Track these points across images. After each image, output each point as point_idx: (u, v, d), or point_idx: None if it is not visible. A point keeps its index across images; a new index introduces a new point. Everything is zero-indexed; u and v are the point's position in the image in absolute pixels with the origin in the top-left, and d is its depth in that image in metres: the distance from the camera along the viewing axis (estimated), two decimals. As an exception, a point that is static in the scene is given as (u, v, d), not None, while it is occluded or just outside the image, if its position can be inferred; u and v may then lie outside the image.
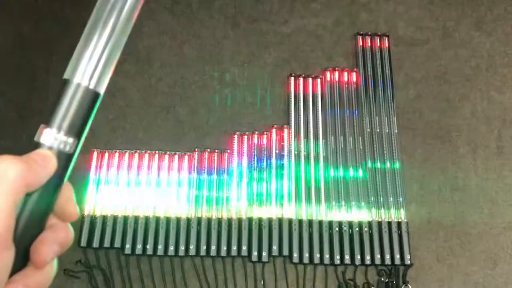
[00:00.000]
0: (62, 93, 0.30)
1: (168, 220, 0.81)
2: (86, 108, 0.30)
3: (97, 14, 0.32)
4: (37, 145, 0.29)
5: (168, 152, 0.86)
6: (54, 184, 0.29)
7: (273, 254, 0.80)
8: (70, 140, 0.30)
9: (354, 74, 0.93)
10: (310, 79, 0.92)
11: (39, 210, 0.28)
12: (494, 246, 0.84)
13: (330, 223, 0.82)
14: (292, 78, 0.92)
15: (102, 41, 0.31)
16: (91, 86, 0.31)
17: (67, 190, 0.31)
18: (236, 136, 0.88)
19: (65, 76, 0.31)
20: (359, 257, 0.80)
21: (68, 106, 0.30)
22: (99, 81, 0.31)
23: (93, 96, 0.31)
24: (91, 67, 0.31)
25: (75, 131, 0.30)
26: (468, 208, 0.86)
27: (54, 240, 0.29)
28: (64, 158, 0.30)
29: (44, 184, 0.28)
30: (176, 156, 0.86)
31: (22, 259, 0.28)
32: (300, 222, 0.82)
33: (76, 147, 0.30)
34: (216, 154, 0.86)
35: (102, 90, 0.32)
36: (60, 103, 0.30)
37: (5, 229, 0.25)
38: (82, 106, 0.30)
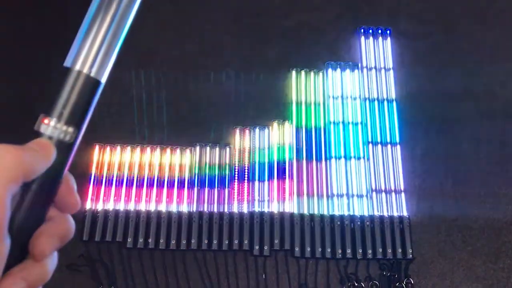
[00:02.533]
0: (62, 81, 0.29)
1: (169, 214, 0.81)
2: (87, 96, 0.30)
3: (98, 1, 0.31)
4: (37, 135, 0.28)
5: (169, 147, 0.86)
6: (54, 174, 0.29)
7: (275, 248, 0.80)
8: (70, 129, 0.29)
9: (356, 68, 0.93)
10: (312, 73, 0.92)
11: (38, 201, 0.28)
12: (496, 240, 0.84)
13: (332, 217, 0.82)
14: (294, 72, 0.92)
15: (104, 27, 0.30)
16: (92, 74, 0.30)
17: (68, 181, 0.30)
18: (237, 131, 0.88)
19: (66, 64, 0.30)
20: (360, 251, 0.80)
21: (69, 95, 0.29)
22: (100, 69, 0.30)
23: (94, 84, 0.30)
24: (92, 54, 0.30)
25: (76, 120, 0.29)
26: (470, 202, 0.86)
27: (54, 233, 0.28)
28: (64, 148, 0.29)
29: (43, 175, 0.28)
30: (178, 151, 0.86)
31: (21, 251, 0.27)
32: (302, 216, 0.82)
33: (77, 136, 0.29)
34: (217, 148, 0.86)
35: (103, 79, 0.31)
36: (60, 92, 0.29)
37: (0, 221, 0.24)
38: (83, 94, 0.29)
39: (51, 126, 0.29)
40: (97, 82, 0.30)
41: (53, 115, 0.29)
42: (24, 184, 0.27)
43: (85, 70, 0.30)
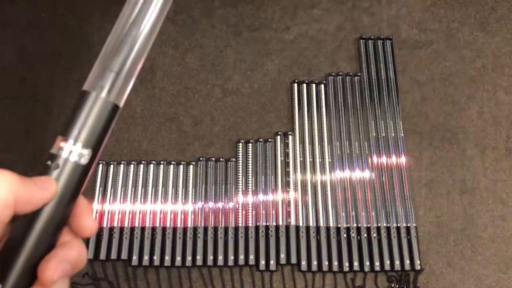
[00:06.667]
0: (80, 104, 0.30)
1: (174, 230, 0.81)
2: (105, 120, 0.30)
3: (120, 25, 0.31)
4: (53, 157, 0.29)
5: (173, 162, 0.86)
6: (68, 197, 0.29)
7: (281, 263, 0.79)
8: (86, 151, 0.29)
9: (357, 79, 0.92)
10: (314, 85, 0.92)
11: (49, 225, 0.28)
12: (506, 249, 0.83)
13: (338, 229, 0.81)
14: (295, 85, 0.92)
15: (124, 52, 0.31)
16: (111, 99, 0.30)
17: (83, 204, 0.30)
18: (240, 144, 0.87)
19: (84, 87, 0.30)
20: (368, 263, 0.79)
21: (86, 118, 0.29)
22: (119, 94, 0.31)
23: (113, 108, 0.31)
24: (111, 79, 0.30)
25: (92, 143, 0.30)
26: (478, 211, 0.85)
27: (65, 258, 0.27)
28: (79, 171, 0.29)
29: (57, 198, 0.28)
30: (182, 166, 0.86)
31: (29, 277, 0.27)
32: (308, 229, 0.81)
33: (92, 159, 0.30)
34: (221, 162, 0.86)
35: (121, 103, 0.31)
36: (78, 115, 0.30)
37: None
38: (100, 118, 0.30)
39: (67, 149, 0.29)
40: (115, 107, 0.31)
41: (69, 137, 0.29)
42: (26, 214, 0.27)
43: (104, 95, 0.30)
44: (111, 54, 0.31)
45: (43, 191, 0.27)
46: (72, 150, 0.29)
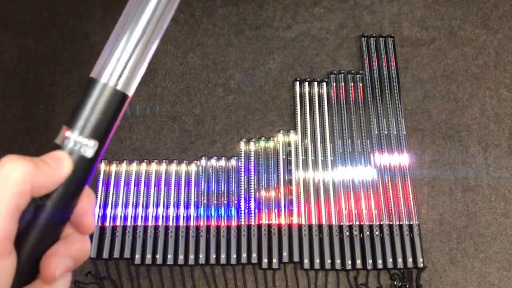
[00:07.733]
0: (87, 93, 0.28)
1: (177, 229, 0.81)
2: (112, 110, 0.28)
3: (129, 9, 0.29)
4: (57, 148, 0.27)
5: (175, 160, 0.86)
6: (71, 190, 0.27)
7: (284, 261, 0.79)
8: (91, 143, 0.27)
9: (359, 77, 0.92)
10: (315, 83, 0.92)
11: (52, 218, 0.26)
12: (509, 247, 0.82)
13: (340, 227, 0.81)
14: (297, 83, 0.92)
15: (134, 38, 0.29)
16: (119, 87, 0.28)
17: (87, 199, 0.28)
18: (242, 142, 0.87)
19: (92, 74, 0.28)
20: (370, 261, 0.79)
21: (93, 108, 0.27)
22: (128, 82, 0.29)
23: (121, 98, 0.28)
24: (120, 66, 0.28)
25: (98, 134, 0.28)
26: (480, 209, 0.85)
27: (67, 253, 0.26)
28: (84, 164, 0.27)
29: (60, 190, 0.26)
30: (184, 164, 0.86)
31: (31, 271, 0.26)
32: (310, 227, 0.81)
33: (98, 151, 0.28)
34: (223, 160, 0.86)
35: (131, 92, 0.29)
36: (84, 104, 0.27)
37: (5, 234, 0.23)
38: (108, 108, 0.28)
39: (72, 139, 0.27)
40: (124, 96, 0.29)
41: (75, 127, 0.27)
42: (39, 198, 0.25)
43: (112, 83, 0.28)
44: (120, 38, 0.28)
45: (57, 172, 0.26)
46: (78, 141, 0.27)
